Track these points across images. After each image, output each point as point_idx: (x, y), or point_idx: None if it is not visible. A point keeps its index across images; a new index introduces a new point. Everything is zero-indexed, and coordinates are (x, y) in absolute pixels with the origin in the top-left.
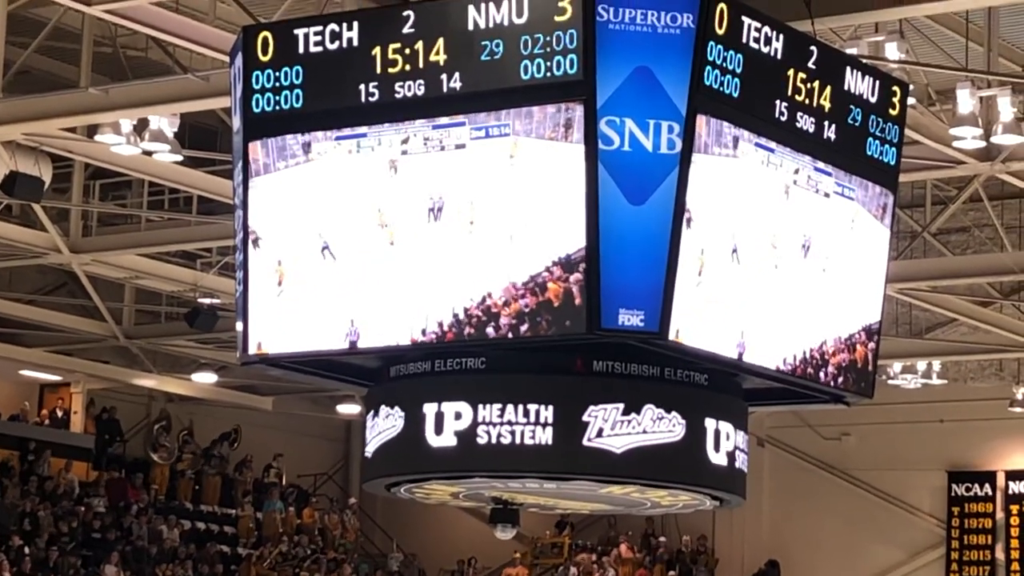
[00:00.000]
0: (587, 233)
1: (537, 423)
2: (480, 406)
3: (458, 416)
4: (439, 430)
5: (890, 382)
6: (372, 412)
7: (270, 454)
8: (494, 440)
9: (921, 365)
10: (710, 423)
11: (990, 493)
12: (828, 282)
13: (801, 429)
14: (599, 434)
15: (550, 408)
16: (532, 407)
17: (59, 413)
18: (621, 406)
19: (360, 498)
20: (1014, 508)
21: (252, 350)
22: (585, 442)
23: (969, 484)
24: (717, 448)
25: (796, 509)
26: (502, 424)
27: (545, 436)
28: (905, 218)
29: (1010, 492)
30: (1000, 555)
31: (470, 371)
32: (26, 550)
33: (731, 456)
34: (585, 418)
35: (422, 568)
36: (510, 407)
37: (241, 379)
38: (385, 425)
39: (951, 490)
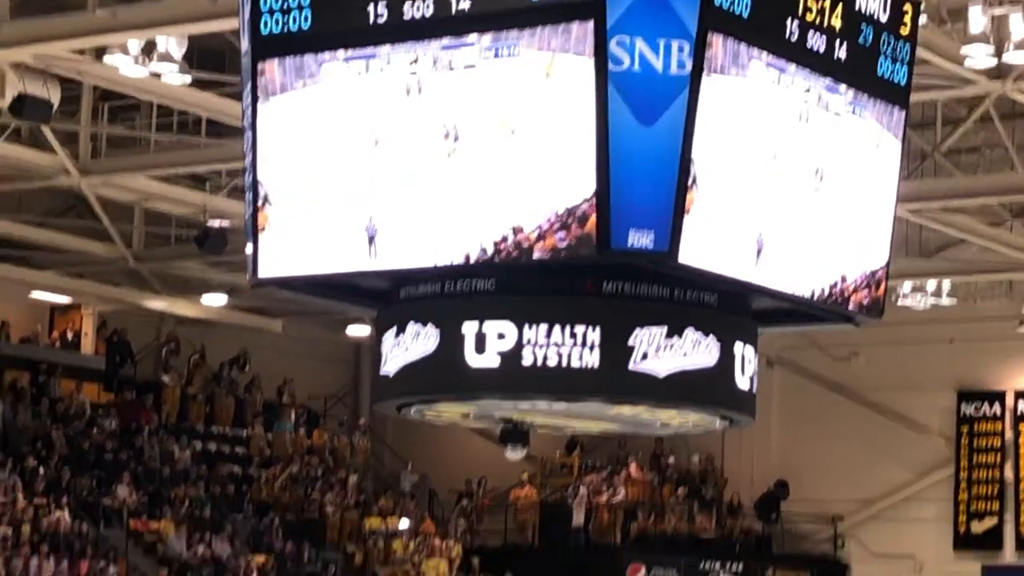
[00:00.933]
0: (597, 153)
1: (584, 345)
2: (526, 327)
3: (501, 336)
4: (480, 350)
5: (900, 302)
6: (396, 330)
7: (280, 376)
8: (540, 362)
9: (931, 285)
10: (738, 347)
11: (999, 413)
12: (840, 203)
13: (810, 350)
14: (644, 357)
15: (597, 330)
16: (579, 329)
17: (70, 335)
18: (664, 329)
19: (370, 419)
20: (1023, 427)
21: (262, 273)
22: (631, 366)
23: (978, 403)
24: (743, 371)
25: (805, 429)
26: (548, 346)
27: (592, 359)
28: (915, 138)
29: (1019, 411)
30: (1009, 474)
31: (482, 292)
32: (40, 471)
33: (751, 379)
34: (631, 342)
35: (433, 488)
36: (557, 328)
37: (251, 301)
38: (414, 344)
39: (960, 410)
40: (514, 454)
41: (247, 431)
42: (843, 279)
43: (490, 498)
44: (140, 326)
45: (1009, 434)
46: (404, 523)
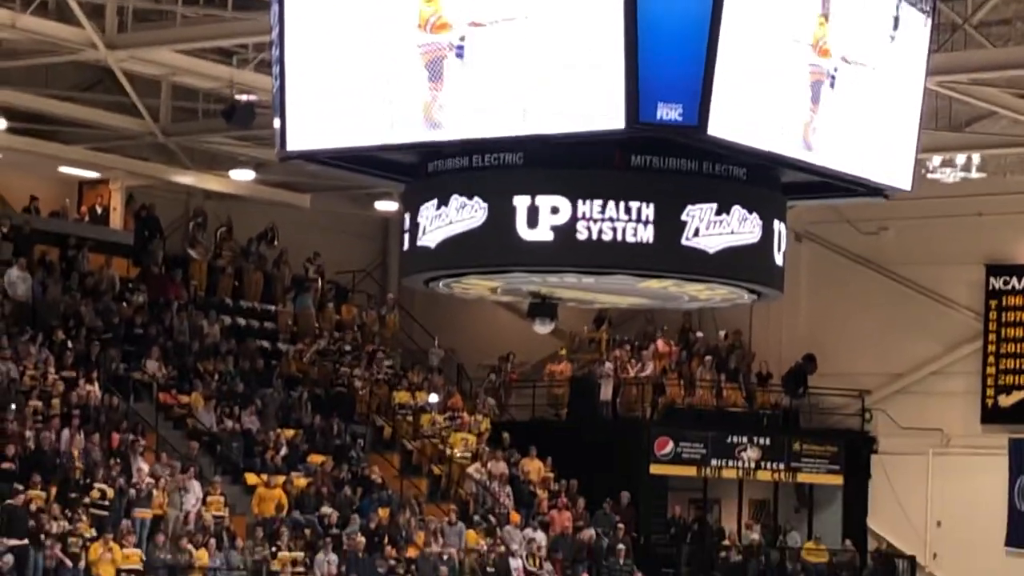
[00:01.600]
0: (625, 24)
1: (639, 220)
2: (580, 201)
3: (555, 211)
4: (533, 224)
5: (929, 176)
6: (437, 202)
7: (308, 251)
8: (595, 236)
9: (960, 158)
10: (777, 224)
11: None
12: (869, 75)
13: (839, 224)
14: (696, 233)
15: (651, 206)
16: (634, 204)
17: (99, 210)
18: (714, 206)
19: (398, 294)
20: None
21: (290, 146)
22: (684, 241)
23: (1007, 277)
24: (779, 248)
25: (833, 303)
26: (603, 220)
27: (647, 234)
28: (946, 10)
29: None
30: None
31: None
32: (69, 345)
33: (784, 255)
34: (684, 217)
35: (461, 363)
36: (612, 203)
37: (279, 176)
38: (459, 216)
39: (988, 283)
40: (542, 328)
41: (276, 306)
42: (872, 151)
43: (518, 373)
44: (168, 201)
45: None
46: (433, 398)
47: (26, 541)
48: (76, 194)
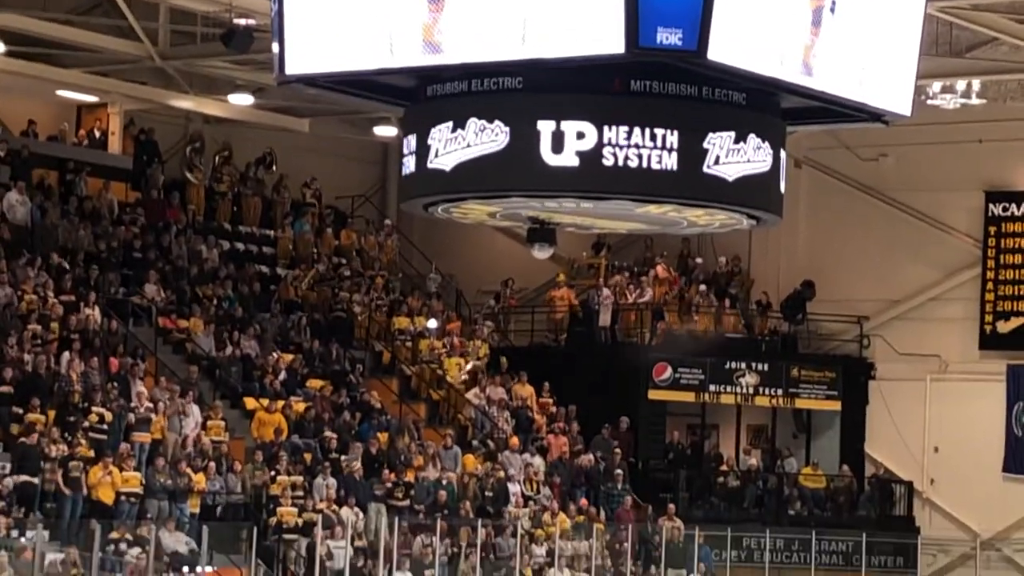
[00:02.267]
0: None
1: (664, 148)
2: (606, 127)
3: (581, 136)
4: (558, 149)
5: (929, 102)
6: (452, 125)
7: (306, 176)
8: (620, 162)
9: (960, 85)
10: (782, 152)
11: None
12: (870, 1)
13: (839, 150)
14: (716, 161)
15: (675, 133)
16: (659, 131)
17: (97, 134)
18: (732, 134)
19: (397, 220)
20: None
21: (289, 70)
22: (705, 169)
23: (1006, 204)
24: (785, 176)
25: (832, 230)
26: (629, 147)
27: (671, 161)
28: None
29: None
30: None
31: (508, 91)
32: (68, 269)
33: (786, 182)
34: (705, 145)
35: (460, 289)
36: (637, 130)
37: (278, 100)
38: (478, 139)
39: (988, 210)
40: (541, 253)
41: (274, 231)
42: (872, 77)
43: (517, 299)
44: (167, 126)
45: None
46: (432, 323)
47: (37, 480)
48: (74, 118)
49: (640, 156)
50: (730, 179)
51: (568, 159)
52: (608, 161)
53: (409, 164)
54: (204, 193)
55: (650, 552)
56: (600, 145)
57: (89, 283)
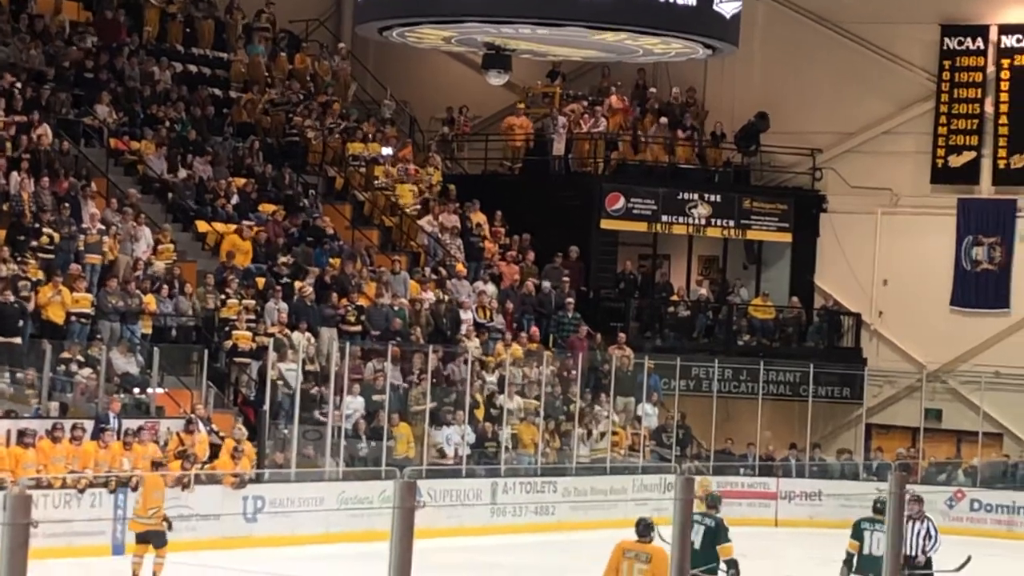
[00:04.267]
0: None
1: None
2: None
3: None
4: None
5: None
6: None
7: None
8: None
9: None
10: None
11: (982, 47)
12: None
13: None
14: None
15: None
16: None
17: None
18: None
19: (352, 45)
20: (1005, 62)
21: None
22: None
23: (961, 38)
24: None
25: (787, 62)
26: None
27: None
28: None
29: (1002, 46)
30: (989, 109)
31: None
32: (17, 87)
33: (737, 10)
34: None
35: (414, 115)
36: None
37: None
38: None
39: (943, 43)
40: (496, 79)
41: (228, 54)
42: None
43: (471, 126)
44: None
45: (991, 69)
46: (385, 150)
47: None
48: None
49: None
50: (693, 4)
51: None
52: None
53: None
54: (158, 15)
55: (599, 380)
56: None
57: (40, 103)
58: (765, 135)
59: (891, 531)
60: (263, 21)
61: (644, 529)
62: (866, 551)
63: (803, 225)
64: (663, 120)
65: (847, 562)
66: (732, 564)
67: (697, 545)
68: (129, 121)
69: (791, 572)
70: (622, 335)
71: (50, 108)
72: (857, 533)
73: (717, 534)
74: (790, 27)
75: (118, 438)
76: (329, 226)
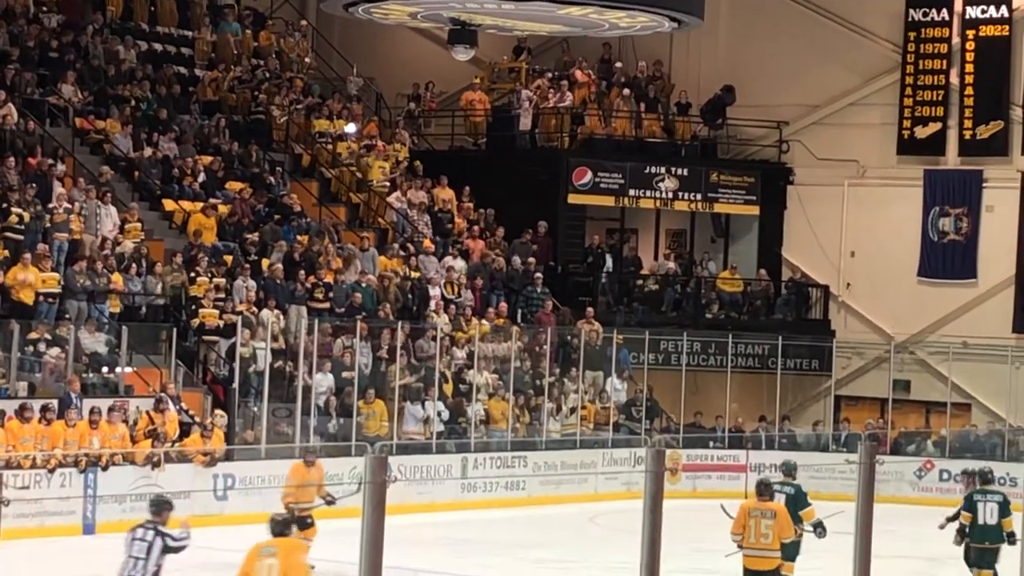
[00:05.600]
0: None
1: None
2: None
3: None
4: None
5: None
6: None
7: None
8: None
9: None
10: None
11: (947, 18)
12: None
13: None
14: None
15: None
16: None
17: None
18: None
19: (317, 21)
20: (970, 33)
21: None
22: None
23: (926, 9)
24: None
25: (753, 34)
26: None
27: None
28: None
29: (967, 16)
30: (954, 80)
31: None
32: None
33: None
34: None
35: (380, 92)
36: None
37: None
38: None
39: (908, 15)
40: (462, 55)
41: (192, 32)
42: None
43: (437, 102)
44: None
45: (956, 40)
46: (351, 127)
47: None
48: None
49: None
50: None
51: None
52: None
53: None
54: None
55: (568, 355)
56: None
57: (5, 83)
58: (731, 108)
59: (861, 498)
60: None
61: (765, 488)
62: (980, 521)
63: (770, 198)
64: (628, 95)
65: (960, 531)
66: (818, 524)
67: None
68: (95, 100)
69: None
70: (590, 309)
71: (15, 88)
72: (970, 505)
73: (797, 500)
74: (755, 0)
75: (82, 417)
76: (296, 203)
